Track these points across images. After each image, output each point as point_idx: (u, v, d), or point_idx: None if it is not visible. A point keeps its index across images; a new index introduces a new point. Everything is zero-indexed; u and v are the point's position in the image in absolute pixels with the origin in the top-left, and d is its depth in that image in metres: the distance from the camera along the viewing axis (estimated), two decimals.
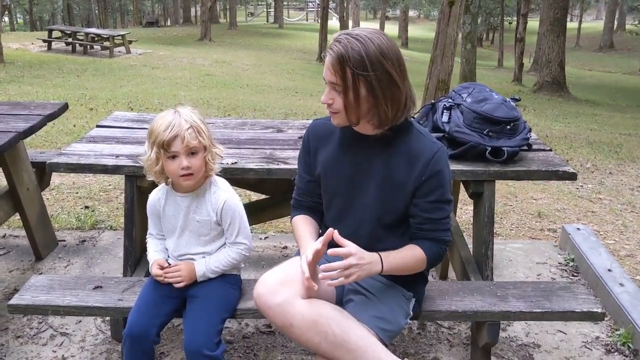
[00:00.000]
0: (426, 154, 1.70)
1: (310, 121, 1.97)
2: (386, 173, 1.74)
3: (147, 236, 2.05)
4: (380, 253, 1.69)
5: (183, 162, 1.78)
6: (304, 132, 1.92)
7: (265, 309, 1.71)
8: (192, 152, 1.79)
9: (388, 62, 1.60)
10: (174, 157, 1.79)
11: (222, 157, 1.92)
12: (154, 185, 2.00)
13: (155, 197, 1.96)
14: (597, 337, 2.57)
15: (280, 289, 1.70)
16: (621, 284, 2.80)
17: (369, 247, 1.73)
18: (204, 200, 1.89)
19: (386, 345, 1.71)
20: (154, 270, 1.92)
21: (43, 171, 3.18)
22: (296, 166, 1.98)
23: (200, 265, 1.91)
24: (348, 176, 1.79)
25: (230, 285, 1.96)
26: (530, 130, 2.39)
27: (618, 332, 2.57)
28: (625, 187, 4.99)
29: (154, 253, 1.98)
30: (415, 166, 1.70)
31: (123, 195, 2.44)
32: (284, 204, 2.77)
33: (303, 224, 1.90)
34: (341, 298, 1.83)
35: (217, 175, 1.93)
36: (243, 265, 2.04)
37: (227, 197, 1.88)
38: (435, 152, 1.70)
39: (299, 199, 1.96)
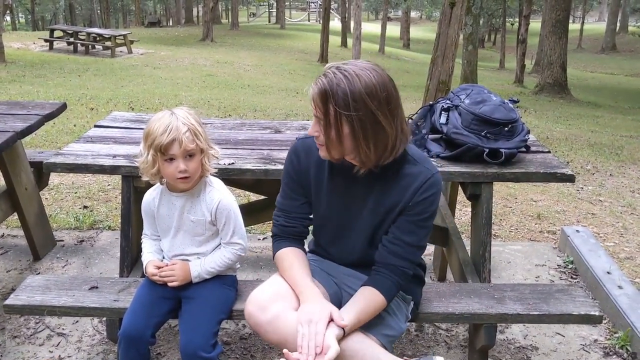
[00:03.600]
0: (419, 179, 1.67)
1: (309, 122, 1.95)
2: (379, 199, 1.71)
3: (142, 237, 2.04)
4: (343, 326, 1.59)
5: (180, 165, 1.77)
6: (298, 136, 1.87)
7: (257, 327, 1.68)
8: (189, 155, 1.78)
9: (374, 102, 1.52)
10: (171, 159, 1.78)
11: (217, 158, 1.91)
12: (150, 185, 1.99)
13: (150, 197, 1.96)
14: (596, 340, 2.56)
15: (270, 305, 1.66)
16: (620, 287, 2.79)
17: (361, 262, 1.82)
18: (199, 200, 1.88)
19: (388, 350, 1.70)
20: (150, 269, 1.92)
21: (41, 171, 3.18)
22: None
23: (196, 266, 1.90)
24: (340, 200, 1.76)
25: (226, 286, 1.95)
26: (528, 132, 2.38)
27: (616, 335, 2.56)
28: (626, 189, 4.98)
29: (149, 254, 1.98)
30: (407, 191, 1.68)
31: None
32: None
33: (295, 257, 1.78)
34: (339, 306, 1.81)
35: (212, 175, 1.92)
36: (239, 265, 2.03)
37: (221, 197, 1.88)
38: (428, 178, 1.67)
39: (286, 226, 1.84)
